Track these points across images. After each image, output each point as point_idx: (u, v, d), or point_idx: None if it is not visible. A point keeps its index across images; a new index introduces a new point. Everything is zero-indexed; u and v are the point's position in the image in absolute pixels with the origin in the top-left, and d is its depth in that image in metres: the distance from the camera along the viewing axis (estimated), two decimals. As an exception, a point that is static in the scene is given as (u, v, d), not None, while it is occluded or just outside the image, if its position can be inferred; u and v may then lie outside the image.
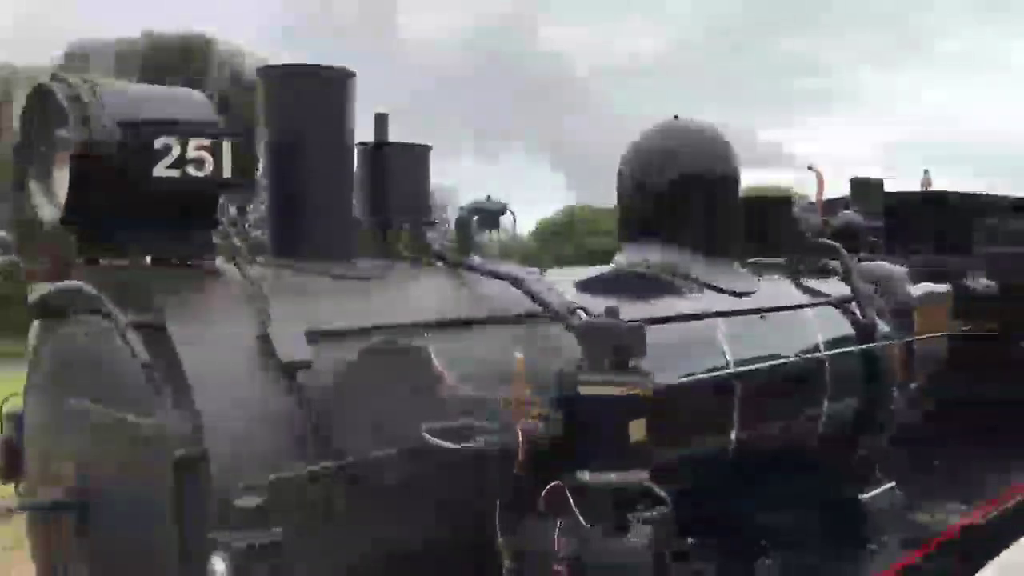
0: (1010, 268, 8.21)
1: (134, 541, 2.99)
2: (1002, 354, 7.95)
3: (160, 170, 3.01)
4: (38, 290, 3.39)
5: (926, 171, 9.12)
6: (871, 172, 8.23)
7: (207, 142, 3.06)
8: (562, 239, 39.81)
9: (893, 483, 6.02)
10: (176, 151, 3.02)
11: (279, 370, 3.01)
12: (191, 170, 3.06)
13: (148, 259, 3.27)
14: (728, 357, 4.99)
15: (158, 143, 2.99)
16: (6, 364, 6.71)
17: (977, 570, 5.68)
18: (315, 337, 3.13)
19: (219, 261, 3.42)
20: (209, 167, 3.09)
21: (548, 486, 3.43)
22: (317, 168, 3.66)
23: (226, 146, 3.09)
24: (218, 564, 2.61)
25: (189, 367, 2.87)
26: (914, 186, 9.14)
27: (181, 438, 2.79)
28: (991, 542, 6.68)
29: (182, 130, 3.03)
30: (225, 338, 3.04)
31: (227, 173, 3.12)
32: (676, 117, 5.73)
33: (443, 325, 3.58)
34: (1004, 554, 5.84)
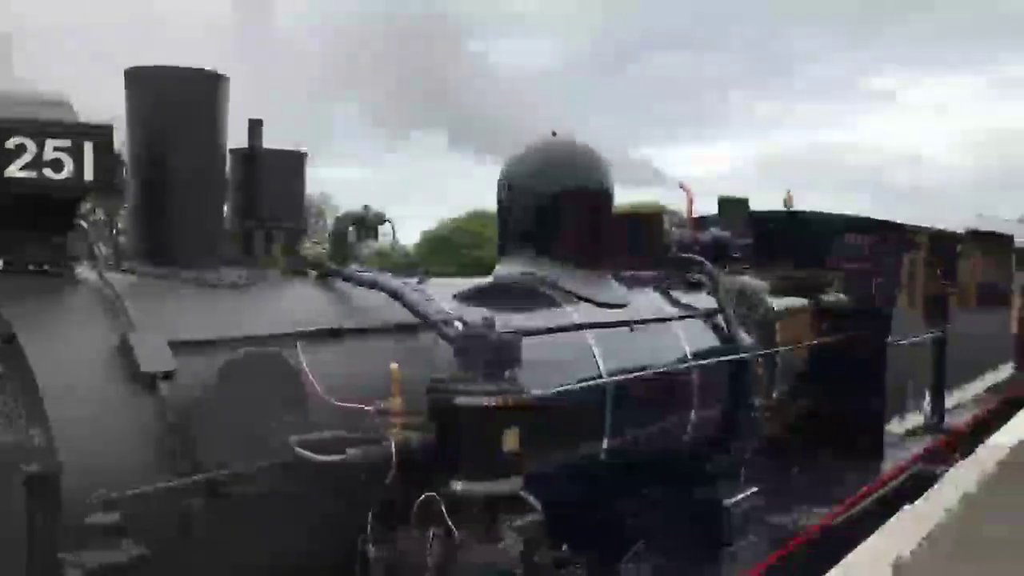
0: (861, 284, 8.77)
1: (-22, 563, 2.81)
2: (854, 365, 8.47)
3: (13, 171, 2.87)
4: None
5: (788, 191, 9.58)
6: (738, 191, 8.60)
7: (66, 143, 2.93)
8: (445, 250, 39.88)
9: (756, 488, 6.31)
10: (32, 151, 2.88)
11: (140, 381, 2.91)
12: (48, 172, 2.92)
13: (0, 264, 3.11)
14: (601, 367, 5.13)
15: (11, 142, 2.85)
16: None
17: (830, 566, 6.02)
18: (179, 347, 3.04)
19: (81, 267, 3.28)
20: (69, 169, 2.96)
21: (421, 497, 3.43)
22: (184, 172, 3.56)
23: (88, 147, 2.97)
24: (71, 585, 2.50)
25: (42, 379, 2.73)
26: (778, 205, 9.60)
27: (32, 454, 2.66)
28: (845, 541, 7.10)
29: (38, 129, 2.89)
30: (82, 348, 2.91)
31: (89, 176, 2.99)
32: (554, 134, 5.86)
33: (314, 335, 3.53)
34: (855, 552, 6.20)
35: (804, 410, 7.91)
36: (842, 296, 8.71)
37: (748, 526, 6.15)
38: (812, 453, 8.18)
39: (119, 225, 4.08)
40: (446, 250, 40.49)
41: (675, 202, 7.86)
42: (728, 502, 5.97)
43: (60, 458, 2.65)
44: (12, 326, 2.80)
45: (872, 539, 6.43)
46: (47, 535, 2.65)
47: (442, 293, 4.56)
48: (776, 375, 7.13)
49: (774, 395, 7.17)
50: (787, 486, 7.53)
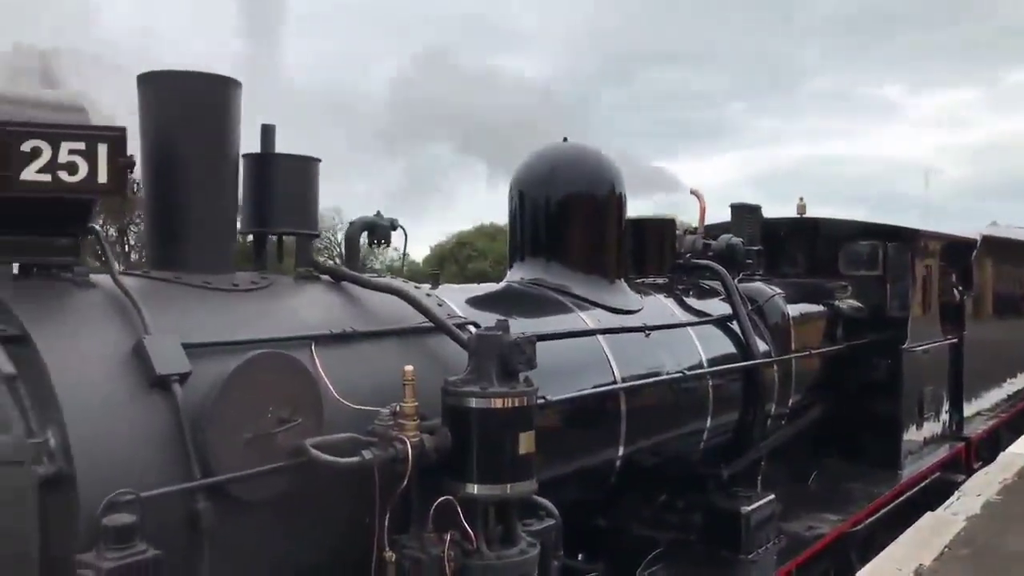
0: (875, 290, 8.70)
1: (-8, 566, 2.79)
2: (870, 372, 8.40)
3: (29, 174, 2.87)
4: None
5: (801, 198, 9.54)
6: (749, 199, 8.57)
7: (81, 145, 2.93)
8: (450, 263, 39.98)
9: (772, 495, 6.24)
10: (47, 154, 2.88)
11: (155, 383, 2.89)
12: (63, 174, 2.92)
13: (15, 268, 3.10)
14: (616, 373, 5.09)
15: (27, 145, 2.85)
16: None
17: (849, 574, 5.94)
18: (193, 349, 3.03)
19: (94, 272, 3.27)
20: (83, 172, 2.96)
21: (438, 500, 3.40)
22: (197, 178, 3.55)
23: (102, 150, 2.97)
24: (86, 586, 2.48)
25: (57, 380, 2.72)
26: (790, 212, 9.57)
27: (46, 455, 2.64)
28: (863, 550, 7.02)
29: (53, 132, 2.89)
30: (97, 350, 2.90)
31: (103, 178, 2.99)
32: (565, 139, 5.85)
33: (328, 338, 3.51)
34: (875, 560, 6.13)
35: (820, 417, 7.83)
36: (856, 302, 8.65)
37: (765, 534, 6.07)
38: (829, 461, 8.11)
39: (131, 241, 4.08)
40: (451, 263, 40.59)
41: (688, 210, 7.85)
42: (745, 510, 5.89)
43: (75, 459, 2.64)
44: (27, 328, 2.79)
45: (892, 547, 6.35)
46: (62, 536, 2.63)
47: (454, 299, 4.55)
48: (791, 382, 7.07)
49: (790, 402, 7.10)
50: (804, 494, 7.45)
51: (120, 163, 3.02)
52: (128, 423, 2.82)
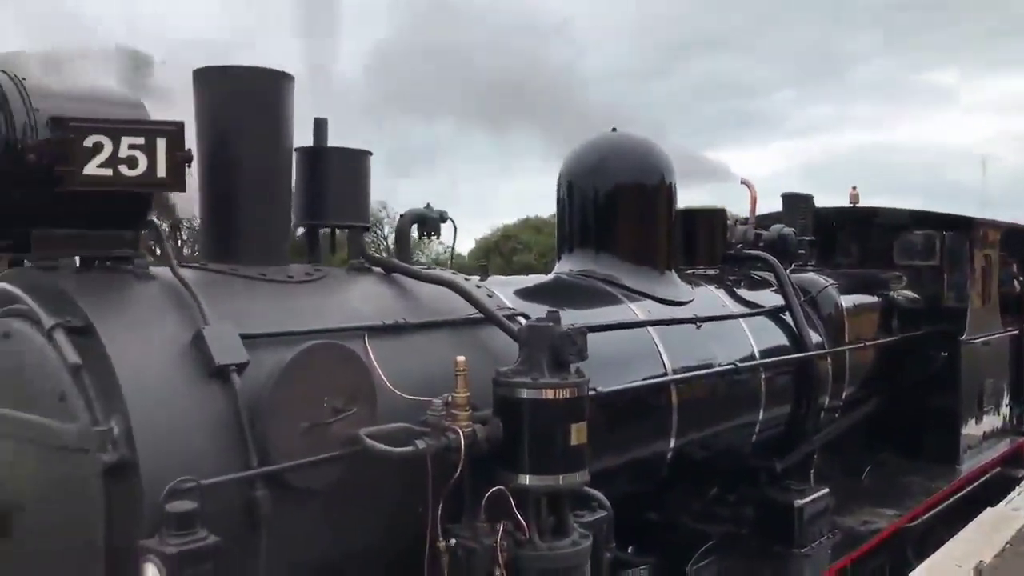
0: (931, 280, 8.49)
1: (60, 550, 2.87)
2: (927, 365, 8.21)
3: (91, 168, 2.93)
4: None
5: (854, 187, 9.34)
6: (801, 189, 8.42)
7: (140, 140, 2.99)
8: (494, 256, 40.02)
9: (827, 489, 6.14)
10: (108, 149, 2.94)
11: (214, 373, 2.95)
12: (123, 169, 2.98)
13: (77, 260, 3.18)
14: (667, 365, 5.05)
15: (89, 140, 2.91)
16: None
17: (906, 571, 5.83)
18: (250, 340, 3.08)
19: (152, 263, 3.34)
20: (143, 166, 3.01)
21: (490, 490, 3.41)
22: (252, 171, 3.60)
23: (160, 144, 3.02)
24: (150, 571, 2.53)
25: (119, 370, 2.79)
26: (843, 202, 9.38)
27: (110, 443, 2.71)
28: (921, 545, 6.87)
29: (114, 127, 2.95)
30: (158, 340, 2.96)
31: (161, 172, 3.05)
32: (614, 129, 5.81)
33: (380, 329, 3.54)
34: (933, 556, 5.99)
35: (874, 410, 7.67)
36: (911, 293, 8.45)
37: (819, 528, 5.98)
38: (883, 455, 7.96)
39: (184, 237, 4.14)
40: (496, 256, 40.63)
41: (738, 201, 7.74)
42: (799, 503, 5.80)
43: (138, 447, 2.70)
44: (91, 319, 2.86)
45: (951, 544, 6.19)
46: (126, 523, 2.69)
47: (504, 290, 4.55)
48: (845, 374, 6.94)
49: (843, 395, 6.98)
50: (858, 488, 7.33)
51: (178, 157, 3.07)
52: (188, 412, 2.88)
